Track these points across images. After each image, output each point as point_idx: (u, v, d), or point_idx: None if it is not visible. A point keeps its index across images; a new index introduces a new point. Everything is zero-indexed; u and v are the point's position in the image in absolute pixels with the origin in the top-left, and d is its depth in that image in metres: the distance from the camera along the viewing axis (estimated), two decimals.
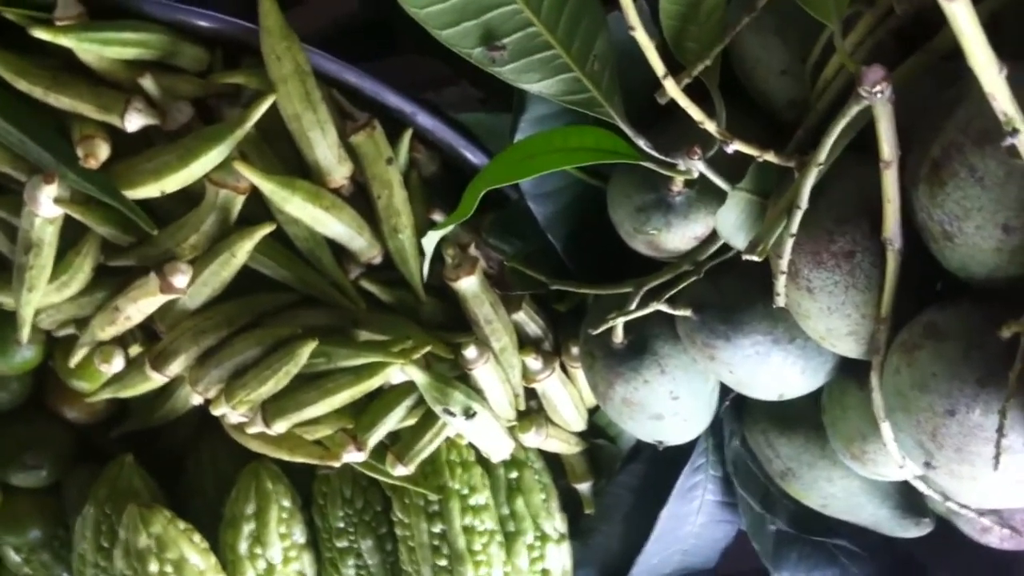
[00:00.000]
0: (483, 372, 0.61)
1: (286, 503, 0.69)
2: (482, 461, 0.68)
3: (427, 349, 0.60)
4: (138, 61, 0.57)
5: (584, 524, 0.72)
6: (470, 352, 0.60)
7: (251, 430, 0.62)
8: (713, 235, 0.50)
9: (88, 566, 0.69)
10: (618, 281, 0.54)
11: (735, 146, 0.41)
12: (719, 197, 0.46)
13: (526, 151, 0.46)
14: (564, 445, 0.68)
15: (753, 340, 0.49)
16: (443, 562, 0.66)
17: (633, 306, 0.52)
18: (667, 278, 0.51)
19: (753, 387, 0.52)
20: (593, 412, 0.68)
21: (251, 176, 0.56)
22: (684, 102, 0.40)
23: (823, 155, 0.39)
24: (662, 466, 0.68)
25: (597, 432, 0.69)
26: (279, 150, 0.59)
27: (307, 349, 0.58)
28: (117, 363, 0.63)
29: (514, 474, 0.68)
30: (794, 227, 0.41)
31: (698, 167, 0.43)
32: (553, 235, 0.57)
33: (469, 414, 0.61)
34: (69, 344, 0.64)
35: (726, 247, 0.49)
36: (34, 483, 0.73)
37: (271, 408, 0.61)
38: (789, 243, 0.42)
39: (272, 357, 0.59)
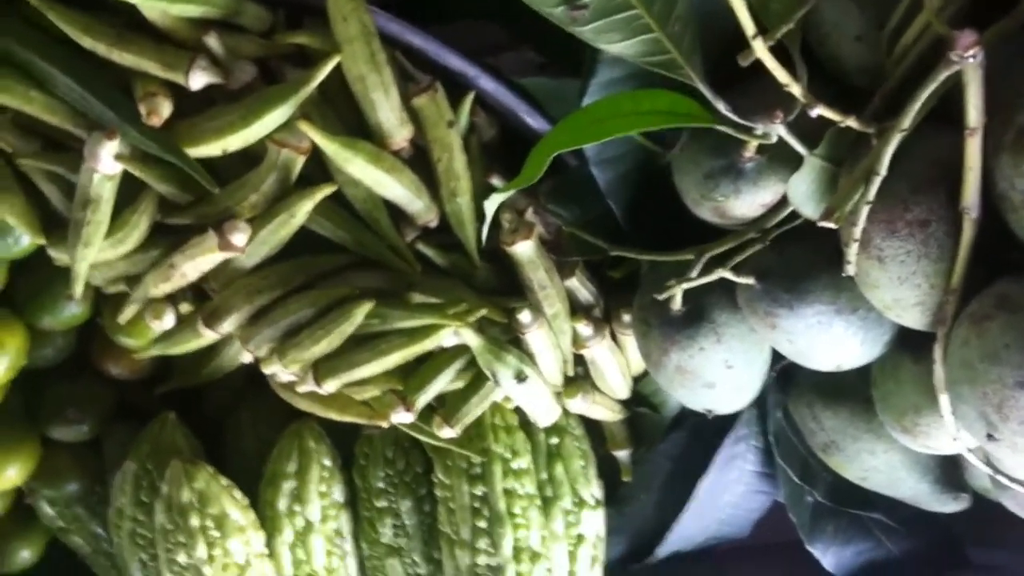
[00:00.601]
0: (536, 337, 0.61)
1: (327, 462, 0.69)
2: (524, 426, 0.68)
3: (482, 313, 0.60)
4: (202, 19, 0.57)
5: (621, 492, 0.72)
6: (525, 316, 0.60)
7: (302, 389, 0.63)
8: (780, 203, 0.50)
9: (126, 520, 0.69)
10: (677, 248, 0.54)
11: (819, 110, 0.41)
12: (789, 164, 0.46)
13: (596, 115, 0.46)
14: (608, 412, 0.69)
15: (816, 310, 0.49)
16: (482, 524, 0.66)
17: (695, 273, 0.52)
18: (730, 246, 0.51)
19: (811, 357, 0.51)
20: (637, 381, 0.69)
21: (315, 136, 0.56)
22: (771, 63, 0.40)
23: (907, 121, 0.39)
24: (704, 436, 0.68)
25: (640, 401, 0.70)
26: (339, 111, 0.59)
27: (363, 310, 0.59)
28: (168, 320, 0.63)
29: (555, 440, 0.69)
30: (871, 194, 0.41)
31: (779, 131, 0.43)
32: (614, 201, 0.57)
33: (520, 378, 0.61)
34: (118, 301, 0.65)
35: (793, 215, 0.49)
36: (74, 437, 0.73)
37: (323, 368, 0.61)
38: (864, 211, 0.42)
39: (327, 317, 0.60)
